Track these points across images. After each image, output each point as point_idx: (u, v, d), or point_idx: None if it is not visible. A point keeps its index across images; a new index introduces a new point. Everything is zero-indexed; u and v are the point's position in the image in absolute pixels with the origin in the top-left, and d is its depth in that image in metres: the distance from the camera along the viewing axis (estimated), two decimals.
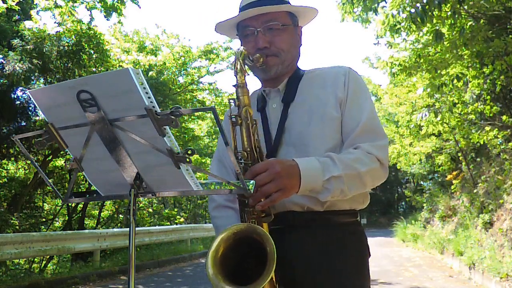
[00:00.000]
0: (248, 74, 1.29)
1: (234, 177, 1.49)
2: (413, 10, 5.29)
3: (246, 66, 1.28)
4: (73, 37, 8.36)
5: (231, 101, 1.26)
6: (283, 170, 1.17)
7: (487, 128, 8.64)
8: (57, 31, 8.33)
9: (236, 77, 1.26)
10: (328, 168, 1.22)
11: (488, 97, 7.99)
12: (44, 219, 12.29)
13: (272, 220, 1.21)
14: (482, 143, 8.83)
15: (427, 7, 5.07)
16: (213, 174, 1.15)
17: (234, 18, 1.39)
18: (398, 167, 17.20)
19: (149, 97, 0.93)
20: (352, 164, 1.24)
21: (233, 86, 1.27)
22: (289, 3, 1.41)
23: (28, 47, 7.50)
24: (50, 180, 1.23)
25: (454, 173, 12.32)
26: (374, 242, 15.65)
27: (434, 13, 5.32)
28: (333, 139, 1.34)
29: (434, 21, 5.98)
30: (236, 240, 1.17)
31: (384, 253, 11.64)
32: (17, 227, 9.56)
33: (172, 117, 0.93)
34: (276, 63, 1.37)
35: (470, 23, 6.18)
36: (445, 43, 6.46)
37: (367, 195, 1.40)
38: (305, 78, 1.44)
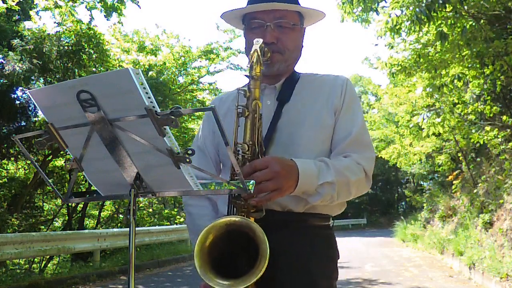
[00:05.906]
0: (263, 68, 1.26)
1: (214, 166, 1.49)
2: (418, 9, 5.29)
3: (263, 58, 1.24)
4: (73, 37, 8.36)
5: (240, 92, 1.24)
6: (283, 169, 1.18)
7: (487, 128, 8.64)
8: (57, 31, 8.34)
9: (252, 68, 1.23)
10: (323, 173, 1.24)
11: (488, 97, 8.00)
12: (44, 219, 12.29)
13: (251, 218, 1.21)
14: (482, 143, 8.83)
15: (430, 6, 5.08)
16: (213, 174, 1.14)
17: (245, 8, 1.38)
18: (399, 167, 17.19)
19: (149, 97, 0.93)
20: (344, 171, 1.27)
21: (246, 76, 1.24)
22: (298, 3, 1.41)
23: (28, 47, 7.50)
24: (50, 180, 1.23)
25: (455, 173, 12.31)
26: (374, 242, 15.63)
27: (438, 13, 5.33)
28: (323, 144, 1.37)
29: (438, 22, 5.98)
30: (227, 232, 1.17)
31: (384, 253, 11.61)
32: (17, 227, 9.56)
33: (172, 117, 0.92)
34: (279, 60, 1.37)
35: (470, 23, 6.18)
36: (446, 43, 6.47)
37: (344, 203, 1.43)
38: (301, 81, 1.45)
